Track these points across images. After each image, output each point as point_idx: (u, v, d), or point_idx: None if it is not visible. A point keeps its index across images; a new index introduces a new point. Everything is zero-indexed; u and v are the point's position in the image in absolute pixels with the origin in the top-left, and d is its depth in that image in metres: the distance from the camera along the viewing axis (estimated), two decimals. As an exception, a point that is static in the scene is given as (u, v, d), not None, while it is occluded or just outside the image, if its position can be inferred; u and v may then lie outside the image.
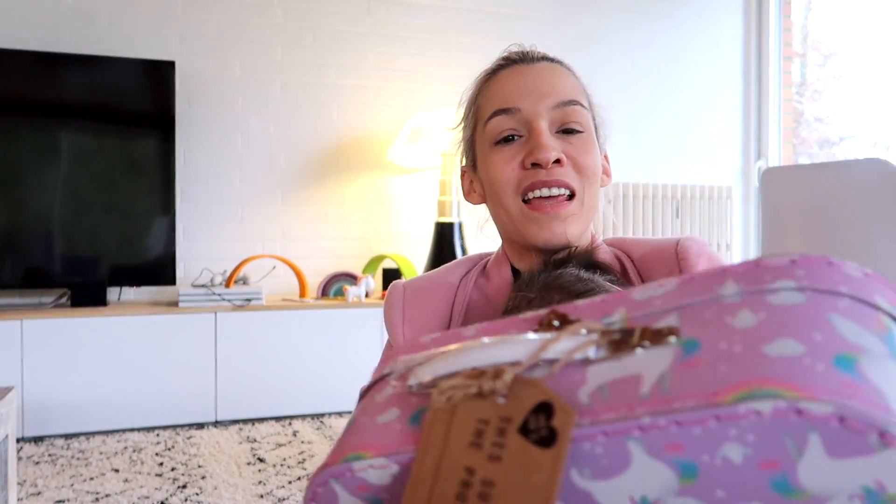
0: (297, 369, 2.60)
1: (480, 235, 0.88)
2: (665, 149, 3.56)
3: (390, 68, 3.16)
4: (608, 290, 0.64)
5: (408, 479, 0.32)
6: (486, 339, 0.35)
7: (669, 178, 3.54)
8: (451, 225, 2.94)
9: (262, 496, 1.83)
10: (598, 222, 0.83)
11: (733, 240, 3.56)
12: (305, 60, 3.06)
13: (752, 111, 3.77)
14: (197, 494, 1.84)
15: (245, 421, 2.55)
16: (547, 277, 0.66)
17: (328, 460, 0.36)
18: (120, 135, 2.68)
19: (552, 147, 0.73)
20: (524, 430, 0.30)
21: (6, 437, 1.49)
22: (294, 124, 3.05)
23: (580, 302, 0.36)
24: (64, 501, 1.81)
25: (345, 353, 2.64)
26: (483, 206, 0.84)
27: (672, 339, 0.30)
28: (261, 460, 2.12)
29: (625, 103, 3.37)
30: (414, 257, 3.13)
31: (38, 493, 1.86)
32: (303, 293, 2.83)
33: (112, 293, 2.77)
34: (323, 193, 3.09)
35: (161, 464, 2.10)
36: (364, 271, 3.01)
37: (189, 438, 2.35)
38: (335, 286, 2.87)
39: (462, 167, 0.86)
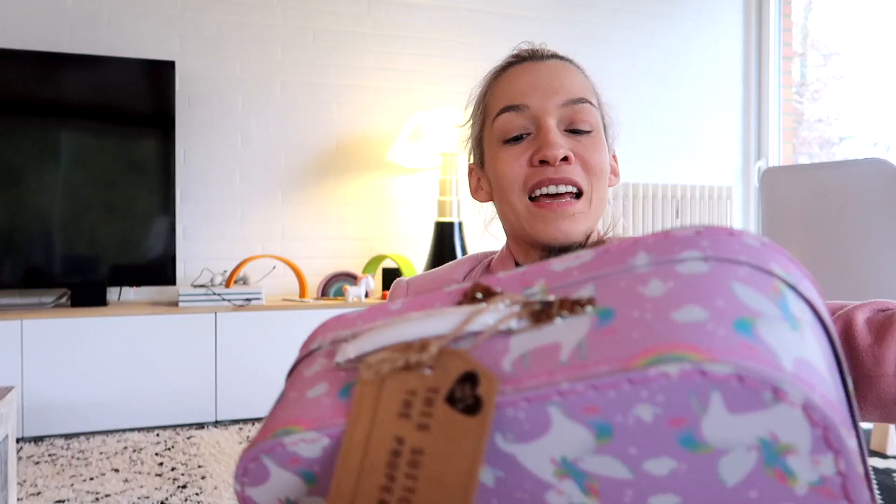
0: (297, 369, 2.60)
1: (486, 234, 0.87)
2: (665, 149, 3.56)
3: (390, 68, 3.16)
4: None
5: (339, 450, 0.33)
6: (411, 314, 0.37)
7: (669, 178, 3.54)
8: (451, 225, 2.94)
9: (262, 496, 1.83)
10: (606, 221, 0.83)
11: (733, 240, 3.55)
12: (305, 60, 3.06)
13: (752, 111, 3.77)
14: (197, 494, 1.84)
15: (245, 421, 2.55)
16: None
17: (258, 436, 0.36)
18: (120, 135, 2.68)
19: (560, 144, 0.73)
20: (451, 400, 0.31)
21: (6, 437, 1.49)
22: (294, 124, 3.05)
23: (502, 274, 0.38)
24: (64, 501, 1.80)
25: (345, 353, 2.64)
26: (489, 204, 0.84)
27: (589, 308, 0.32)
28: (261, 460, 2.12)
29: (625, 103, 3.37)
30: (414, 257, 3.13)
31: (38, 493, 1.86)
32: (303, 293, 2.83)
33: (112, 293, 2.77)
34: (323, 193, 3.09)
35: (161, 464, 2.10)
36: (364, 271, 3.01)
37: (189, 438, 2.36)
38: (335, 286, 2.87)
39: (469, 164, 0.86)
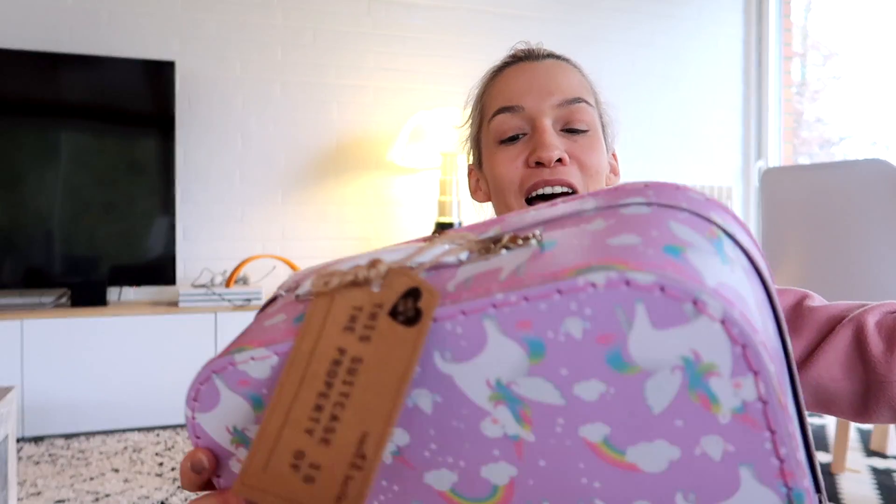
0: (297, 369, 2.60)
1: None
2: (665, 149, 3.56)
3: (390, 68, 3.16)
4: None
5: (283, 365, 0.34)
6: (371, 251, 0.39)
7: (669, 178, 3.54)
8: (451, 225, 2.94)
9: (262, 496, 1.83)
10: None
11: (733, 240, 3.56)
12: (305, 60, 3.06)
13: (752, 111, 3.77)
14: (197, 494, 1.84)
15: (245, 421, 2.55)
16: None
17: (212, 358, 0.37)
18: (120, 135, 2.68)
19: (555, 146, 0.72)
20: (393, 314, 0.33)
21: (6, 437, 1.50)
22: (294, 124, 3.05)
23: (464, 225, 0.39)
24: (64, 501, 1.80)
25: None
26: (489, 204, 0.84)
27: (533, 241, 0.33)
28: (261, 460, 2.12)
29: (625, 104, 3.37)
30: (414, 257, 3.12)
31: (38, 493, 1.86)
32: (303, 293, 2.83)
33: (112, 293, 2.77)
34: (323, 193, 3.09)
35: (161, 464, 2.10)
36: (364, 271, 3.01)
37: (189, 438, 2.35)
38: (335, 286, 2.87)
39: (469, 165, 0.86)
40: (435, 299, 0.32)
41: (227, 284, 2.75)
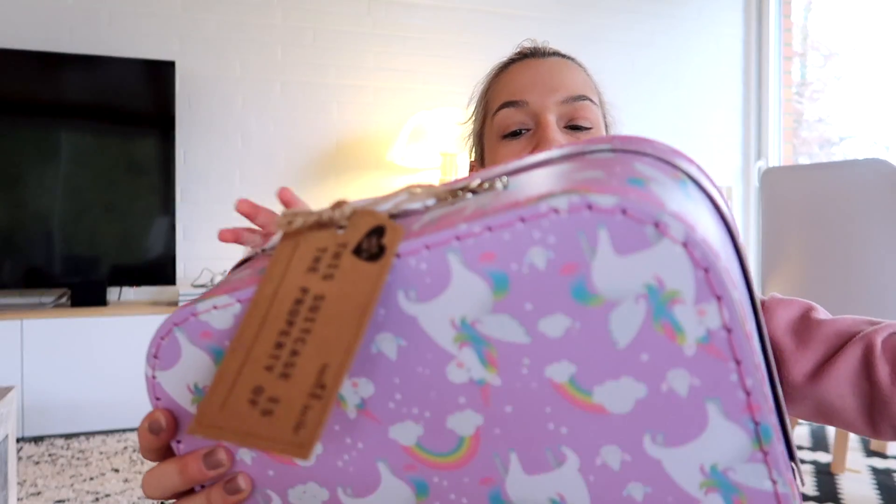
0: (297, 369, 2.60)
1: None
2: (665, 149, 3.56)
3: (390, 68, 3.16)
4: None
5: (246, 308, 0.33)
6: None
7: (669, 178, 3.54)
8: (451, 225, 2.94)
9: (262, 496, 1.83)
10: None
11: (733, 240, 3.55)
12: (305, 60, 3.06)
13: (752, 111, 3.77)
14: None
15: (245, 421, 2.55)
16: None
17: (174, 312, 0.36)
18: (120, 135, 2.68)
19: (558, 141, 0.72)
20: (357, 251, 0.32)
21: (6, 437, 1.50)
22: (294, 124, 3.05)
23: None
24: (64, 501, 1.81)
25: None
26: None
27: (499, 184, 0.33)
28: (261, 460, 2.12)
29: (625, 103, 3.37)
30: (414, 257, 3.12)
31: (38, 493, 1.86)
32: (303, 293, 2.83)
33: (112, 293, 2.77)
34: (323, 193, 3.09)
35: (161, 464, 2.10)
36: (364, 271, 3.01)
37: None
38: (335, 286, 2.87)
39: (471, 161, 0.86)
40: (399, 234, 0.31)
41: (227, 284, 2.75)
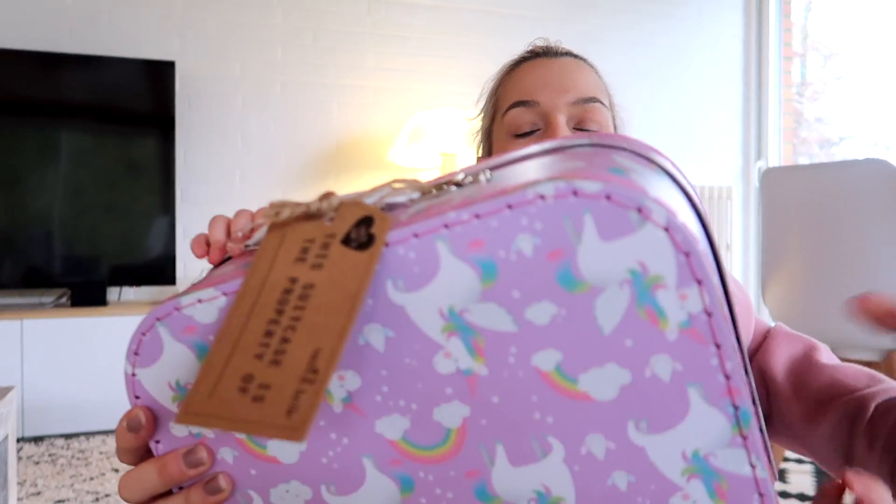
0: (297, 369, 2.60)
1: None
2: (665, 149, 3.55)
3: (390, 68, 3.16)
4: None
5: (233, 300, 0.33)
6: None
7: (669, 178, 3.54)
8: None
9: (262, 496, 1.83)
10: None
11: (733, 240, 3.56)
12: (305, 60, 3.06)
13: (752, 111, 3.77)
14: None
15: (245, 421, 2.55)
16: None
17: (156, 307, 0.35)
18: (120, 135, 2.68)
19: None
20: (346, 241, 0.33)
21: (6, 437, 1.50)
22: (294, 124, 3.05)
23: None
24: (64, 501, 1.81)
25: (345, 353, 2.64)
26: None
27: (483, 177, 0.34)
28: (261, 460, 2.12)
29: (625, 103, 3.36)
30: (414, 257, 3.12)
31: (38, 493, 1.86)
32: (303, 293, 2.83)
33: (112, 293, 2.77)
34: (323, 193, 3.09)
35: (161, 464, 2.10)
36: (364, 271, 3.01)
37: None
38: (335, 286, 2.87)
39: (478, 158, 0.86)
40: (387, 223, 0.32)
41: (227, 284, 2.75)
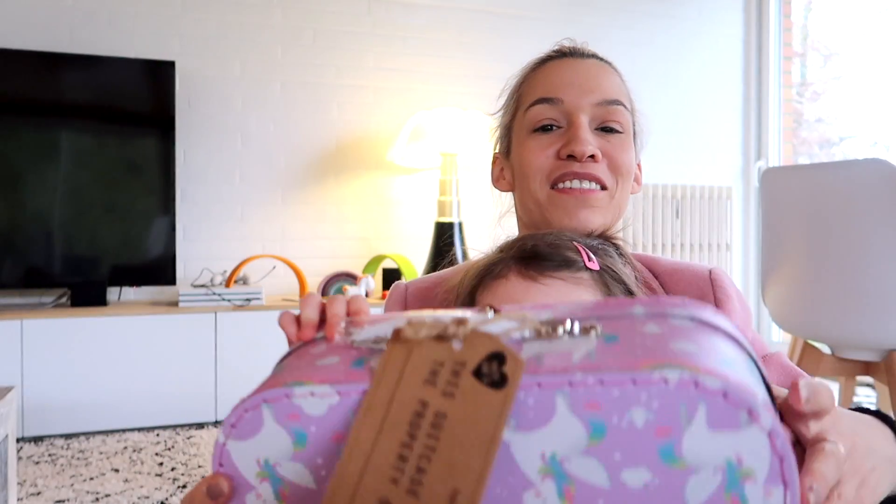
0: (297, 369, 2.60)
1: (497, 227, 0.87)
2: (665, 149, 3.56)
3: (390, 68, 3.16)
4: (578, 245, 0.65)
5: (355, 409, 0.35)
6: (426, 311, 0.41)
7: (669, 178, 3.54)
8: (451, 225, 2.94)
9: (262, 496, 1.83)
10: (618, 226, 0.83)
11: (733, 240, 3.56)
12: (305, 60, 3.06)
13: (752, 111, 3.77)
14: None
15: (245, 421, 2.55)
16: (527, 236, 0.67)
17: (261, 386, 0.36)
18: (120, 135, 2.68)
19: (589, 142, 0.73)
20: (477, 374, 0.34)
21: (6, 437, 1.49)
22: (294, 124, 3.05)
23: (506, 305, 0.43)
24: (64, 501, 1.81)
25: (345, 353, 2.64)
26: (502, 200, 0.84)
27: (593, 332, 0.36)
28: (261, 460, 2.12)
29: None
30: (414, 257, 3.13)
31: (38, 493, 1.86)
32: (303, 293, 2.83)
33: (112, 293, 2.77)
34: (323, 193, 3.09)
35: (161, 464, 2.10)
36: (364, 271, 3.01)
37: (189, 438, 2.35)
38: (335, 286, 2.87)
39: (495, 153, 0.86)
40: (521, 367, 0.33)
41: (227, 284, 2.75)
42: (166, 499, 1.82)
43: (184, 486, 1.90)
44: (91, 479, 1.97)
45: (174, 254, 2.71)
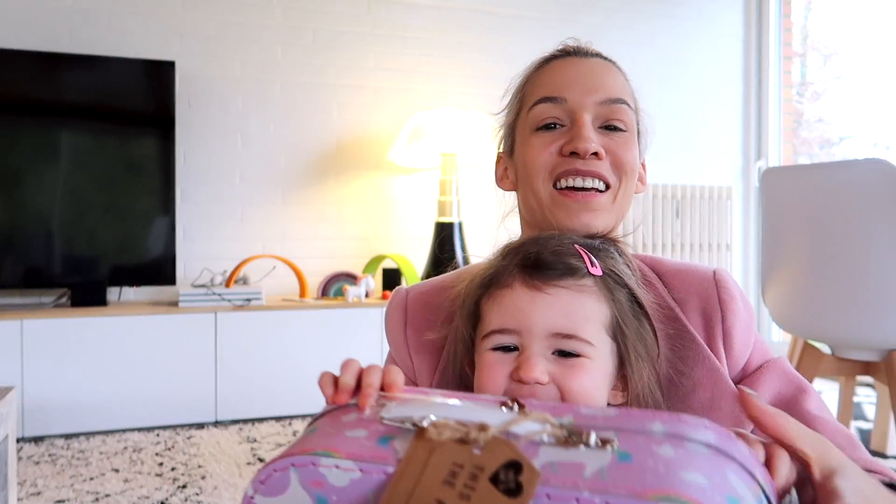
0: (297, 369, 2.60)
1: (501, 227, 0.87)
2: (665, 149, 3.56)
3: (390, 68, 3.16)
4: (581, 246, 0.65)
5: (377, 494, 0.38)
6: (457, 397, 0.44)
7: (669, 178, 3.54)
8: (451, 225, 2.94)
9: (262, 496, 1.83)
10: (627, 227, 0.83)
11: (733, 240, 3.56)
12: (305, 60, 3.06)
13: (752, 111, 3.77)
14: (197, 494, 1.84)
15: (245, 421, 2.55)
16: (530, 238, 0.68)
17: (292, 449, 0.39)
18: (120, 135, 2.68)
19: (593, 139, 0.73)
20: (494, 480, 0.36)
21: (6, 437, 1.49)
22: (294, 124, 3.05)
23: (534, 401, 0.46)
24: (64, 501, 1.81)
25: (345, 353, 2.64)
26: (506, 200, 0.84)
27: (609, 447, 0.38)
28: (261, 460, 2.12)
29: (625, 103, 3.37)
30: (414, 257, 3.13)
31: (38, 493, 1.86)
32: (303, 293, 2.83)
33: (112, 293, 2.77)
34: (323, 193, 3.09)
35: (161, 464, 2.10)
36: (364, 271, 3.01)
37: (189, 438, 2.36)
38: (335, 286, 2.87)
39: (498, 153, 0.86)
40: (536, 477, 0.35)
41: (227, 284, 2.75)
42: (166, 499, 1.82)
43: (184, 486, 1.90)
44: (91, 479, 1.97)
45: (174, 254, 2.71)
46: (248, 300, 2.65)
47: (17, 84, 2.55)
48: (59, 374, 2.37)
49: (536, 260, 0.63)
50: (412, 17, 3.20)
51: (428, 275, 2.90)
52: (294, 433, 2.40)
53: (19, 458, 2.14)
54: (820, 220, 1.89)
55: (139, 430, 2.45)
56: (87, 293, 2.58)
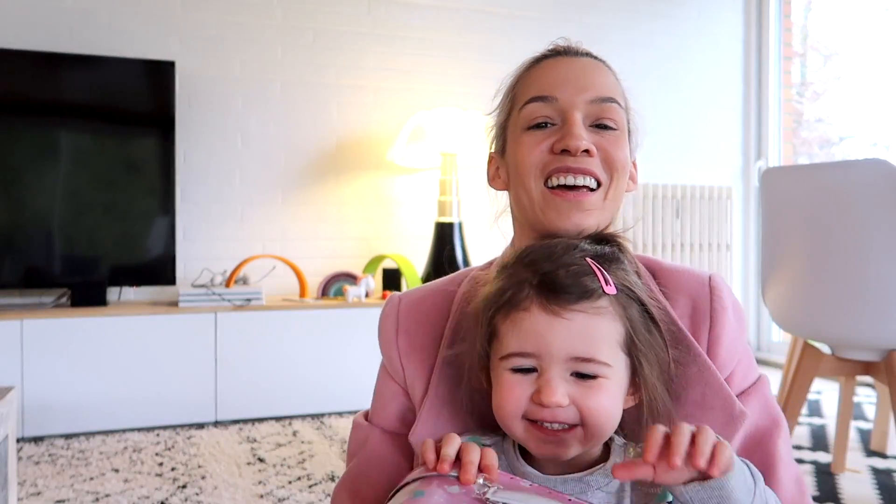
0: (297, 369, 2.60)
1: (494, 227, 0.87)
2: (665, 149, 3.56)
3: (390, 68, 3.16)
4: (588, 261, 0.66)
5: None
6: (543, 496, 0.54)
7: (669, 178, 3.54)
8: (451, 225, 2.94)
9: (262, 496, 1.83)
10: (618, 225, 0.83)
11: (733, 240, 3.56)
12: (305, 60, 3.06)
13: (752, 111, 3.77)
14: (197, 494, 1.84)
15: (245, 421, 2.55)
16: (537, 247, 0.69)
17: None
18: (120, 135, 2.68)
19: (583, 137, 0.74)
20: None
21: (6, 437, 1.49)
22: (294, 124, 3.05)
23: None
24: (64, 501, 1.81)
25: (345, 354, 2.64)
26: (499, 200, 0.84)
27: None
28: (261, 460, 2.12)
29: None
30: (414, 257, 3.13)
31: (38, 493, 1.86)
32: (303, 293, 2.83)
33: (112, 293, 2.77)
34: (323, 193, 3.09)
35: (161, 464, 2.10)
36: (364, 271, 3.01)
37: (189, 438, 2.35)
38: (335, 286, 2.87)
39: (490, 153, 0.86)
40: None
41: (227, 284, 2.75)
42: (166, 499, 1.82)
43: (184, 486, 1.90)
44: (91, 479, 1.97)
45: (174, 254, 2.71)
46: (248, 300, 2.65)
47: (17, 84, 2.55)
48: (59, 373, 2.37)
49: (552, 282, 0.63)
50: (412, 17, 3.20)
51: (428, 275, 2.91)
52: (294, 433, 2.40)
53: (19, 458, 2.14)
54: (820, 220, 1.89)
55: (139, 430, 2.45)
56: (87, 293, 2.58)
